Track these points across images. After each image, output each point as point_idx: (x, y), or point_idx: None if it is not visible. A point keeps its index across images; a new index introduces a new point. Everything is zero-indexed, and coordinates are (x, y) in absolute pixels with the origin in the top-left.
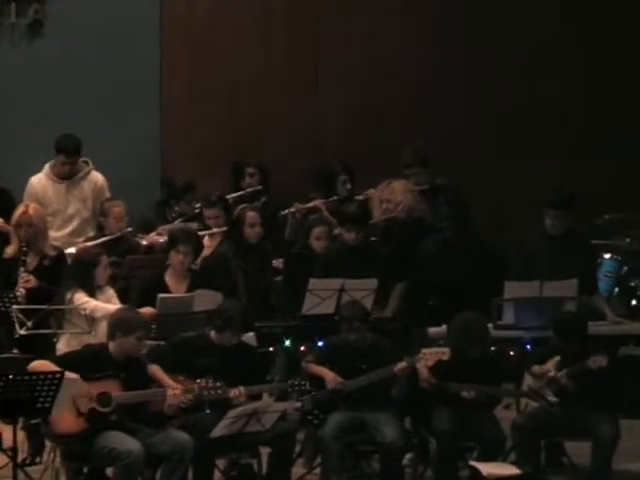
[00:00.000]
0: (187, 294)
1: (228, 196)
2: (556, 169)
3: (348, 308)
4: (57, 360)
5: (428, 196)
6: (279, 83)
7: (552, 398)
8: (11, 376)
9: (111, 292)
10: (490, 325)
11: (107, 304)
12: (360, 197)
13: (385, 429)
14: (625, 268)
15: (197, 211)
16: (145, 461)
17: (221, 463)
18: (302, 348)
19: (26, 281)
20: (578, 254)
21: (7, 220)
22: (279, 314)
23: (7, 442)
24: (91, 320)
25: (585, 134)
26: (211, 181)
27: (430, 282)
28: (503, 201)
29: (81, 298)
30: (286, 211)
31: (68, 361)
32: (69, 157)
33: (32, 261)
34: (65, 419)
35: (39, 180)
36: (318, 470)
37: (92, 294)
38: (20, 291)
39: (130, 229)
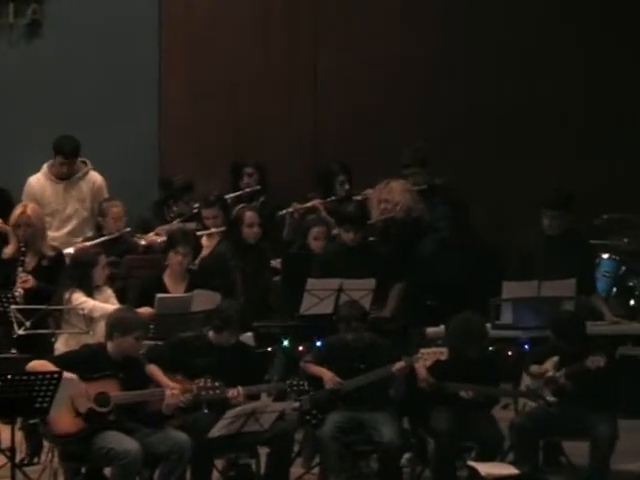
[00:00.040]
0: (185, 294)
1: (226, 196)
2: (556, 169)
3: (346, 308)
4: (55, 360)
5: (426, 196)
6: (278, 83)
7: (550, 398)
8: (9, 376)
9: (109, 292)
10: (488, 325)
11: (105, 304)
12: (358, 197)
13: (383, 429)
14: (623, 268)
15: (195, 211)
16: (143, 461)
17: (219, 463)
18: (300, 348)
19: (24, 281)
20: (576, 254)
21: (5, 220)
22: (277, 314)
23: (5, 442)
24: (89, 320)
25: (585, 134)
26: (210, 181)
27: (428, 282)
28: (503, 201)
29: (79, 298)
30: (284, 211)
31: (66, 361)
32: (67, 159)
33: (30, 261)
34: (63, 419)
35: (37, 180)
36: (316, 470)
37: (90, 294)
38: (18, 291)
39: (128, 229)
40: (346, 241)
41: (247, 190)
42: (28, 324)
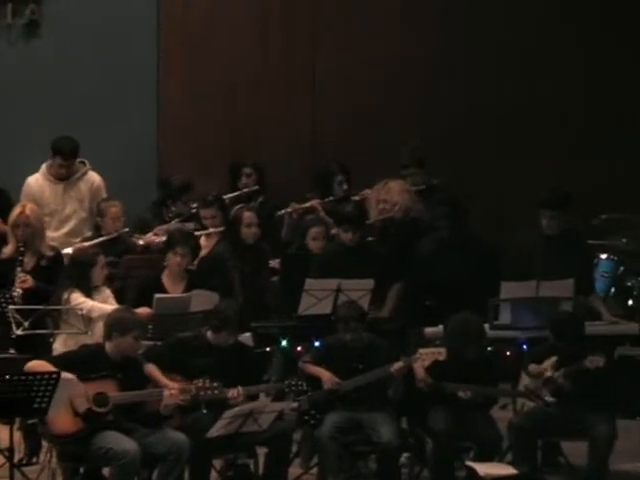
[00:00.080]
0: (184, 294)
1: (225, 196)
2: (556, 169)
3: (345, 308)
4: (54, 360)
5: (424, 196)
6: (276, 83)
7: (549, 398)
8: (8, 376)
9: (108, 292)
10: (486, 325)
11: (104, 304)
12: (356, 197)
13: (382, 429)
14: (622, 268)
15: (194, 211)
16: (141, 461)
17: (218, 463)
18: (299, 348)
19: (23, 281)
20: (574, 254)
21: (4, 220)
22: (275, 314)
23: (4, 442)
24: (88, 320)
25: (585, 134)
26: (208, 181)
27: (427, 281)
28: (503, 201)
29: (78, 298)
30: (283, 211)
31: (65, 361)
32: (66, 160)
33: (29, 261)
34: (62, 419)
35: (36, 180)
36: (315, 470)
37: (89, 294)
38: (17, 291)
39: (127, 229)
40: (344, 241)
41: (245, 190)
42: (26, 324)
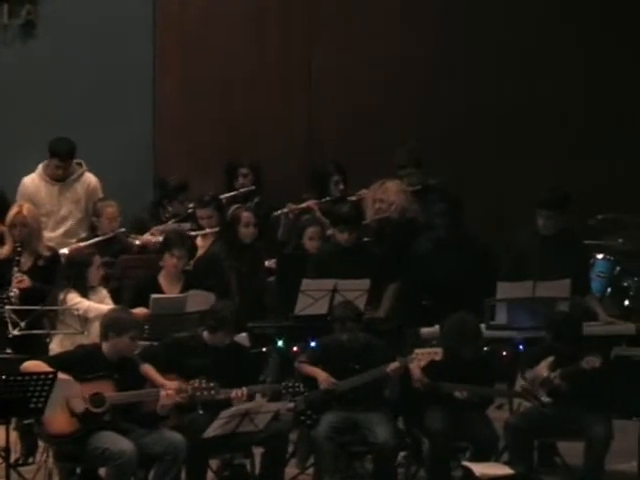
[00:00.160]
0: (180, 294)
1: (221, 196)
2: (556, 169)
3: (341, 308)
4: (50, 360)
5: (421, 197)
6: (272, 81)
7: (545, 398)
8: (4, 376)
9: (104, 292)
10: (483, 325)
11: (100, 304)
12: (353, 197)
13: (378, 429)
14: (618, 268)
15: (190, 211)
16: (138, 461)
17: (214, 463)
18: (295, 348)
19: (20, 281)
20: (571, 254)
21: (1, 220)
22: (272, 314)
23: (0, 442)
24: (84, 321)
25: (585, 134)
26: (204, 181)
27: (424, 281)
28: (503, 201)
29: (74, 299)
30: (279, 212)
31: (61, 361)
32: (63, 161)
33: (26, 261)
34: (58, 419)
35: (32, 180)
36: (311, 470)
37: (85, 294)
38: (14, 291)
39: (123, 229)
40: (341, 241)
41: (242, 190)
42: (23, 324)
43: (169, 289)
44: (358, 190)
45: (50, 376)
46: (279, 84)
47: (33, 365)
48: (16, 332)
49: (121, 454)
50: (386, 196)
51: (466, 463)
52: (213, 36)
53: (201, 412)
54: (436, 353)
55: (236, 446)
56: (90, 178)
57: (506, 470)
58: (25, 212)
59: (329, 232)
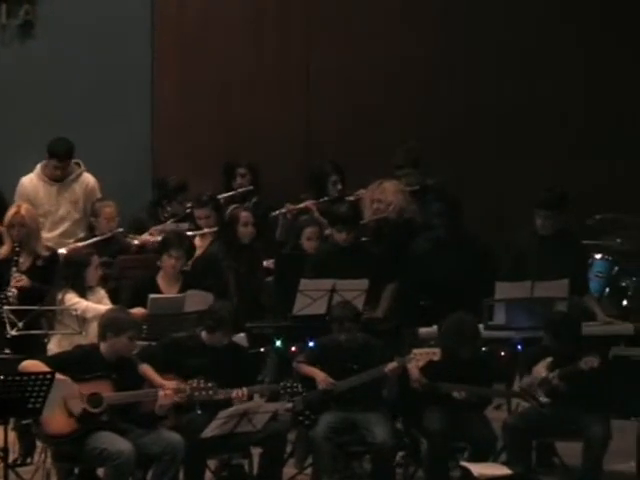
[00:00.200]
0: (178, 295)
1: (219, 196)
2: (556, 169)
3: (339, 308)
4: (48, 361)
5: (419, 197)
6: (270, 83)
7: (543, 399)
8: (2, 376)
9: (102, 293)
10: (481, 325)
11: (98, 305)
12: (351, 198)
13: (376, 429)
14: (616, 268)
15: (188, 211)
16: (136, 462)
17: (212, 463)
18: (293, 348)
19: (18, 281)
20: (569, 254)
21: None
22: (270, 315)
23: None
24: (82, 321)
25: (585, 134)
26: (202, 181)
27: (422, 281)
28: (503, 201)
29: (72, 299)
30: (277, 212)
31: (59, 362)
32: (61, 161)
33: (25, 261)
34: (56, 420)
35: (30, 180)
36: (309, 470)
37: (83, 295)
38: (12, 291)
39: (121, 229)
40: (339, 241)
41: (240, 190)
42: (21, 325)
43: (167, 289)
44: (356, 190)
45: (48, 376)
46: (277, 86)
47: (31, 365)
48: (14, 332)
49: (119, 454)
50: (384, 196)
51: (464, 463)
52: (211, 38)
53: (199, 412)
54: (434, 353)
55: (234, 446)
56: (88, 178)
57: (504, 470)
58: (23, 212)
59: (327, 232)
